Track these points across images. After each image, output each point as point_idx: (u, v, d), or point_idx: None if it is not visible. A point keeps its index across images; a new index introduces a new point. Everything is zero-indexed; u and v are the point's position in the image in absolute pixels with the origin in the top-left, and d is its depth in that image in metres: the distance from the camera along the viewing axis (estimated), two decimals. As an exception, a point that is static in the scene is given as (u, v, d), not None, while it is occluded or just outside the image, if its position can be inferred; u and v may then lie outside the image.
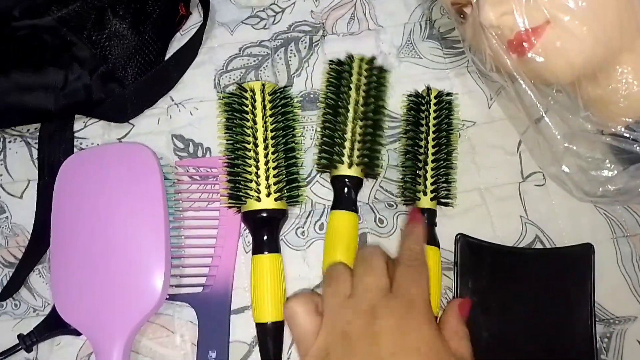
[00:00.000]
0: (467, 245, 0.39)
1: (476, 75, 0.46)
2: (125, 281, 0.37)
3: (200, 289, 0.40)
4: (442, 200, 0.40)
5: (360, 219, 0.42)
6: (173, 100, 0.46)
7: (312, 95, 0.46)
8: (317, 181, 0.43)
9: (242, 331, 0.39)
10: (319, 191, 0.43)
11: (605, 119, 0.37)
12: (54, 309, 0.39)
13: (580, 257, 0.39)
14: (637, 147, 0.36)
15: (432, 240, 0.39)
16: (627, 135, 0.36)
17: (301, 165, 0.41)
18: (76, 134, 0.45)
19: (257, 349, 0.39)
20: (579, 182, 0.39)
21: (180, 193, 0.43)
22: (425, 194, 0.39)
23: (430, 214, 0.40)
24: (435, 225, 0.40)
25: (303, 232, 0.42)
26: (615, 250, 0.40)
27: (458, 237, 0.40)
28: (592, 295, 0.38)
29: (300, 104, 0.45)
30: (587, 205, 0.42)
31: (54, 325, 0.39)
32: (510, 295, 0.39)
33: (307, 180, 0.43)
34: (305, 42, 0.48)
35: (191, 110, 0.46)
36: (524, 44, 0.35)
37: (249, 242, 0.41)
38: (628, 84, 0.35)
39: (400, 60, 0.47)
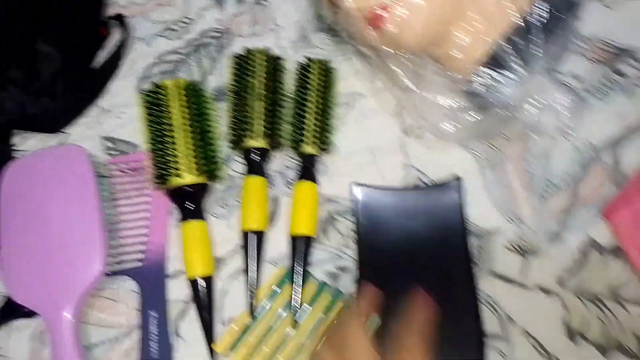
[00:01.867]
0: (361, 191, 0.47)
1: (359, 57, 0.54)
2: (67, 260, 0.43)
3: (138, 263, 0.46)
4: (322, 146, 0.47)
5: (273, 185, 0.49)
6: (102, 108, 0.52)
7: (224, 90, 0.53)
8: (234, 160, 0.50)
9: (178, 292, 0.45)
10: (237, 168, 0.50)
11: (453, 71, 0.45)
12: (8, 299, 0.44)
13: (452, 188, 0.47)
14: (483, 90, 0.44)
15: (312, 178, 0.47)
16: (474, 81, 0.44)
17: (217, 145, 0.48)
18: (17, 148, 0.51)
19: (192, 304, 0.45)
20: (446, 128, 0.47)
21: (115, 185, 0.49)
22: (307, 141, 0.47)
23: (311, 158, 0.47)
24: (313, 167, 0.47)
25: (226, 203, 0.49)
26: (482, 179, 0.48)
27: (352, 184, 0.47)
28: (463, 216, 0.46)
29: (212, 96, 0.52)
30: (457, 146, 0.49)
31: (9, 311, 0.44)
32: (400, 228, 0.46)
33: (225, 161, 0.50)
34: (215, 46, 0.55)
35: (118, 114, 0.52)
36: (378, 20, 0.43)
37: (177, 219, 0.47)
38: (462, 42, 0.44)
39: (296, 51, 0.55)
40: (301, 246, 0.44)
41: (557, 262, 0.45)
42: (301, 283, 0.44)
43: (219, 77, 0.53)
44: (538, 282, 0.44)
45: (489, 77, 0.43)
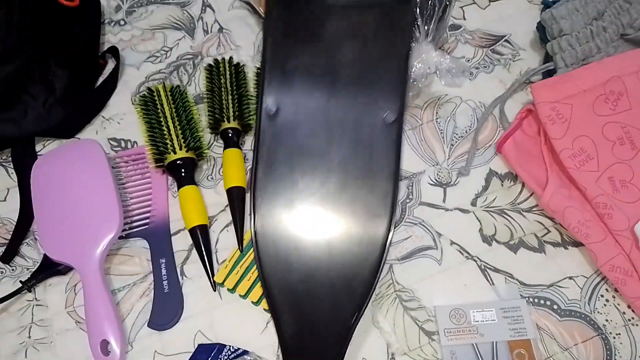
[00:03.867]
0: None
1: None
2: (92, 223, 0.54)
3: (146, 225, 0.58)
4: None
5: (249, 160, 0.62)
6: (104, 117, 0.66)
7: (200, 96, 0.67)
8: (216, 144, 0.64)
9: (181, 243, 0.57)
10: (218, 151, 0.63)
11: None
12: (43, 260, 0.55)
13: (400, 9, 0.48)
14: None
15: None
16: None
17: (200, 130, 0.62)
18: (39, 153, 0.63)
19: (194, 251, 0.56)
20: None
21: (121, 172, 0.61)
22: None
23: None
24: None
25: (212, 177, 0.62)
26: (407, 138, 0.63)
27: None
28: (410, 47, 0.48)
29: (192, 100, 0.66)
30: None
31: (45, 269, 0.54)
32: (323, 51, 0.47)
33: (208, 146, 0.63)
34: (190, 64, 0.70)
35: (118, 120, 0.65)
36: None
37: (175, 191, 0.60)
38: None
39: (254, 63, 0.70)
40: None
41: (468, 189, 0.59)
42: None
43: (195, 87, 0.68)
44: (456, 205, 0.58)
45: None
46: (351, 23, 0.45)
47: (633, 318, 0.51)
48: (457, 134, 0.63)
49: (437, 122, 0.64)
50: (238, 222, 0.57)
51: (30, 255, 0.57)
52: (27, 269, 0.56)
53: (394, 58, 0.46)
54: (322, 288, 0.46)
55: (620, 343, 0.50)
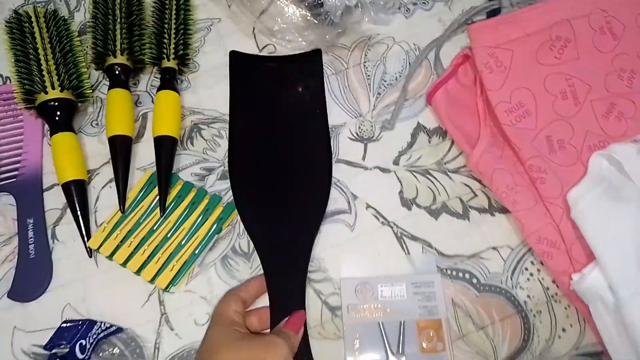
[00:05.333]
0: (236, 58, 0.54)
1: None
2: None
3: (14, 179, 0.49)
4: (182, 61, 0.53)
5: (141, 104, 0.53)
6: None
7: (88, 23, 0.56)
8: (103, 84, 0.54)
9: (55, 201, 0.49)
10: (105, 90, 0.53)
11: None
12: None
13: (315, 56, 0.54)
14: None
15: (172, 87, 0.51)
16: None
17: (80, 66, 0.52)
18: None
19: (68, 210, 0.48)
20: (295, 42, 0.54)
21: (-13, 114, 0.52)
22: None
23: (171, 71, 0.52)
24: (175, 80, 0.53)
25: (97, 122, 0.53)
26: (328, 84, 0.55)
27: (231, 53, 0.54)
28: (324, 83, 0.53)
29: (78, 29, 0.55)
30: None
31: None
32: (269, 92, 0.52)
33: (93, 86, 0.54)
34: (81, -13, 0.59)
35: (-12, 51, 0.55)
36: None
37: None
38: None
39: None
40: (165, 146, 0.49)
41: (391, 146, 0.52)
42: (167, 181, 0.49)
43: (85, 13, 0.57)
44: (377, 164, 0.51)
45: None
46: (282, 74, 0.54)
47: (557, 294, 0.46)
48: (385, 81, 0.55)
49: (364, 66, 0.55)
50: (120, 178, 0.48)
51: None
52: None
53: (313, 92, 0.53)
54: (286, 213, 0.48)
55: (540, 322, 0.45)
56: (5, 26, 0.51)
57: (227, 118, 0.53)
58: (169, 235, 0.47)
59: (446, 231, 0.49)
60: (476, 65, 0.50)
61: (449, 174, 0.51)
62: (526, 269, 0.47)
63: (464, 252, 0.48)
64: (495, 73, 0.50)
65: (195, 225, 0.48)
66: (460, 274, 0.47)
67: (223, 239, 0.48)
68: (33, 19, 0.51)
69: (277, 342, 0.38)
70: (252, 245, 0.48)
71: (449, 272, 0.47)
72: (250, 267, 0.47)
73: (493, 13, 0.55)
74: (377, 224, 0.49)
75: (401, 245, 0.48)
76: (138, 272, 0.46)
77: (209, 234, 0.47)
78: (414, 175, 0.51)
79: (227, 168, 0.51)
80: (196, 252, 0.47)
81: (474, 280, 0.47)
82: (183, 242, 0.47)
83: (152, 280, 0.46)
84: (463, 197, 0.50)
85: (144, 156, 0.51)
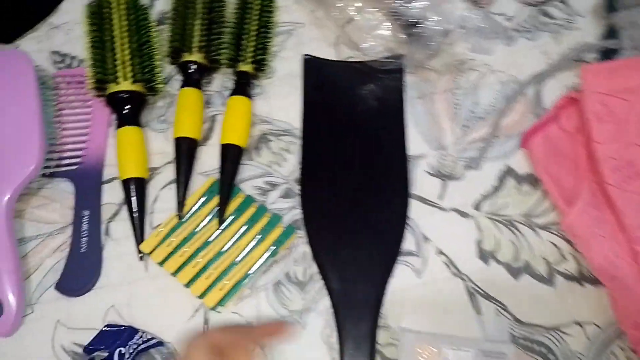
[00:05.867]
0: (309, 62, 0.51)
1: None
2: (5, 153, 0.44)
3: (75, 167, 0.48)
4: (258, 67, 0.49)
5: (212, 104, 0.50)
6: (53, 24, 0.54)
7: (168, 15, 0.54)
8: (175, 79, 0.52)
9: (113, 195, 0.47)
10: (177, 86, 0.51)
11: None
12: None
13: (397, 64, 0.50)
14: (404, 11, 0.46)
15: (245, 93, 0.48)
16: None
17: (156, 59, 0.49)
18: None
19: (124, 207, 0.46)
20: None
21: (59, 95, 0.50)
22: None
23: (246, 76, 0.49)
24: (249, 85, 0.49)
25: (164, 119, 0.50)
26: (410, 108, 0.50)
27: (304, 57, 0.51)
28: (404, 91, 0.49)
29: (156, 19, 0.53)
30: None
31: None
32: (344, 99, 0.49)
33: (167, 79, 0.52)
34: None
35: (67, 31, 0.54)
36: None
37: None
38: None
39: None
40: (231, 155, 0.46)
41: (474, 187, 0.47)
42: (228, 192, 0.46)
43: (165, 1, 0.55)
44: (455, 206, 0.46)
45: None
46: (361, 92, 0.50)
47: (646, 390, 0.40)
48: (475, 113, 0.50)
49: (454, 93, 0.50)
50: (182, 183, 0.46)
51: None
52: None
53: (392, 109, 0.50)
54: (360, 251, 0.45)
55: (622, 419, 0.39)
56: (87, 9, 0.49)
57: (298, 132, 0.49)
58: (223, 251, 0.44)
59: (526, 295, 0.43)
60: (584, 112, 0.44)
61: (536, 229, 0.45)
62: (614, 354, 0.41)
63: (543, 322, 0.42)
64: (606, 124, 0.44)
65: (252, 244, 0.45)
66: (536, 346, 0.42)
67: (277, 263, 0.45)
68: (114, 4, 0.48)
69: None
70: (308, 273, 0.44)
71: (522, 341, 0.42)
72: (303, 299, 0.44)
73: (608, 54, 0.49)
74: (448, 274, 0.44)
75: (472, 302, 0.43)
76: (188, 285, 0.43)
77: (266, 256, 0.44)
78: (496, 225, 0.46)
79: (291, 186, 0.47)
80: (250, 273, 0.43)
81: (550, 357, 0.41)
82: (237, 260, 0.44)
83: (200, 296, 0.43)
84: (550, 259, 0.44)
85: (208, 161, 0.48)
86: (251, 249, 0.44)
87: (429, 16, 0.43)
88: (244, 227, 0.45)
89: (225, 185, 0.46)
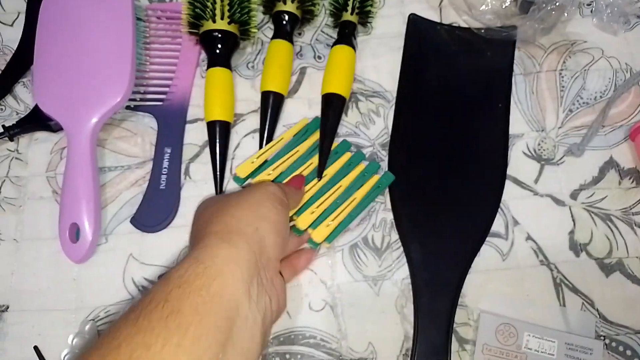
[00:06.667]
0: (415, 22, 0.49)
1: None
2: (95, 81, 0.43)
3: (160, 103, 0.47)
4: (363, 18, 0.47)
5: (302, 56, 0.49)
6: (148, -44, 0.52)
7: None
8: (267, 26, 0.50)
9: (195, 136, 0.46)
10: (268, 34, 0.49)
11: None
12: (34, 108, 0.46)
13: (508, 37, 0.47)
14: None
15: (351, 44, 0.46)
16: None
17: (252, 3, 0.48)
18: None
19: (206, 149, 0.45)
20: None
21: (149, 29, 0.49)
22: (352, 11, 0.46)
23: (351, 26, 0.47)
24: (354, 37, 0.47)
25: (253, 65, 0.49)
26: (513, 84, 0.47)
27: (410, 16, 0.49)
28: (510, 86, 0.46)
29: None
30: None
31: (34, 119, 0.45)
32: (446, 66, 0.47)
33: (258, 25, 0.50)
34: None
35: (164, -37, 0.52)
36: None
37: (204, 70, 0.48)
38: None
39: None
40: (334, 105, 0.45)
41: (573, 175, 0.44)
42: (330, 142, 0.44)
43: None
44: (550, 192, 0.44)
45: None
46: (467, 61, 0.48)
47: None
48: (581, 98, 0.46)
49: (560, 74, 0.47)
50: (266, 133, 0.45)
51: (23, 98, 0.48)
52: (17, 114, 0.47)
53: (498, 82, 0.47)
54: (446, 226, 0.43)
55: None
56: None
57: (388, 95, 0.47)
58: (324, 190, 0.43)
59: (616, 293, 0.41)
60: None
61: (635, 227, 0.43)
62: None
63: (632, 324, 0.40)
64: None
65: (352, 186, 0.43)
66: (621, 348, 0.39)
67: (356, 226, 0.43)
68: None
69: (268, 183, 0.39)
70: (385, 241, 0.43)
71: (606, 341, 0.39)
72: (380, 266, 0.42)
73: None
74: (535, 261, 0.42)
75: (558, 293, 0.41)
76: (291, 217, 0.42)
77: (366, 198, 0.43)
78: (592, 218, 0.43)
79: (376, 150, 0.45)
80: (352, 214, 0.42)
81: (637, 361, 0.39)
82: (339, 201, 0.43)
83: (302, 231, 0.42)
84: (647, 260, 0.41)
85: (292, 114, 0.47)
86: (350, 191, 0.43)
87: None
88: (343, 169, 0.44)
89: (327, 135, 0.44)
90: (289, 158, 0.44)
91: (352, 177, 0.44)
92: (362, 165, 0.44)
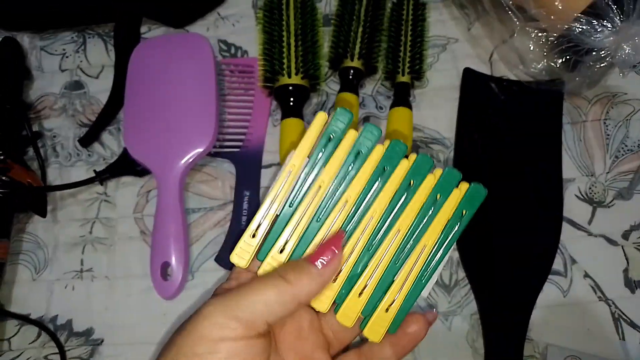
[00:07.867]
0: (469, 76, 0.53)
1: (458, 6, 0.57)
2: (183, 129, 0.47)
3: (238, 149, 0.51)
4: (415, 76, 0.51)
5: (365, 106, 0.53)
6: (219, 15, 0.57)
7: (329, 17, 0.57)
8: (331, 79, 0.54)
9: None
10: (332, 87, 0.54)
11: (553, 17, 0.48)
12: (123, 153, 0.50)
13: (556, 90, 0.51)
14: (586, 38, 0.46)
15: (407, 104, 0.50)
16: (576, 29, 0.46)
17: (320, 57, 0.52)
18: (143, 36, 0.56)
19: (281, 193, 0.49)
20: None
21: (224, 82, 0.54)
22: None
23: (406, 86, 0.51)
24: (409, 96, 0.51)
25: (320, 114, 0.53)
26: (562, 132, 0.51)
27: (465, 70, 0.53)
28: (559, 136, 0.50)
29: (320, 10, 0.56)
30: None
31: (122, 165, 0.49)
32: (500, 119, 0.51)
33: (325, 77, 0.54)
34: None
35: (234, 22, 0.57)
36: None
37: (276, 119, 0.52)
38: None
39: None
40: None
41: (623, 217, 0.48)
42: None
43: (327, 4, 0.58)
44: (603, 232, 0.47)
45: (587, 25, 0.45)
46: (518, 102, 0.52)
47: None
48: (626, 145, 0.50)
49: (604, 123, 0.51)
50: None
51: (110, 145, 0.52)
52: (104, 160, 0.51)
53: (549, 130, 0.51)
54: (510, 264, 0.46)
55: None
56: (265, 4, 0.53)
57: (447, 142, 0.51)
58: (373, 246, 0.29)
59: (671, 328, 0.44)
60: None
61: (683, 265, 0.46)
62: None
63: (689, 357, 0.43)
64: None
65: (417, 223, 0.29)
66: (680, 380, 0.42)
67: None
68: (292, 3, 0.52)
69: (206, 304, 0.27)
70: (453, 279, 0.46)
71: (667, 373, 0.42)
72: (449, 302, 0.45)
73: None
74: (593, 297, 0.45)
75: (617, 328, 0.44)
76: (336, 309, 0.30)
77: (445, 238, 0.29)
78: (644, 256, 0.46)
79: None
80: (422, 279, 0.29)
81: (696, 393, 0.41)
82: (398, 263, 0.29)
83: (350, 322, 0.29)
84: (700, 297, 0.45)
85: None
86: (419, 231, 0.29)
87: (609, 46, 0.44)
88: (399, 192, 0.30)
89: None
90: (311, 201, 0.30)
91: (416, 207, 0.29)
92: (432, 178, 0.30)
